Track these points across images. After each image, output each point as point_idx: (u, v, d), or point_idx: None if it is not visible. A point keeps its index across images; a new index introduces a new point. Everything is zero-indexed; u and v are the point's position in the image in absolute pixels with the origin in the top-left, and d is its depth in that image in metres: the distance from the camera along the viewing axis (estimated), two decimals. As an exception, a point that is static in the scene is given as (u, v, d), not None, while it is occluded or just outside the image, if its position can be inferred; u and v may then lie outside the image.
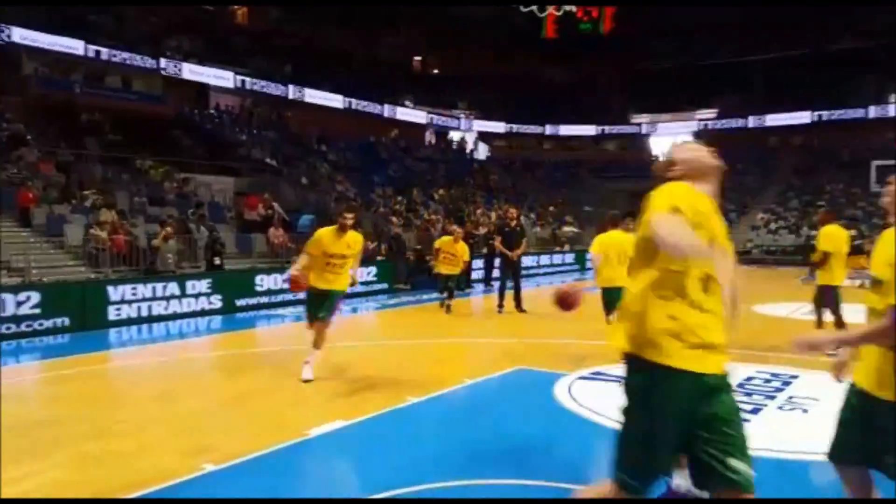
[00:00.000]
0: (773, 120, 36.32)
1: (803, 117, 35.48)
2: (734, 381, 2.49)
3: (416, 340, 9.05)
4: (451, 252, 12.16)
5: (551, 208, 30.11)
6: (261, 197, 18.57)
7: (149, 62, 24.53)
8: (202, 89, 27.76)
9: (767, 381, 6.53)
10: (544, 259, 21.75)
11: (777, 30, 35.35)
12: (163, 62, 25.06)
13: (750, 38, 36.18)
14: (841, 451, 2.81)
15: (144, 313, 10.80)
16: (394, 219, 20.81)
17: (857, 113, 34.35)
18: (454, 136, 39.43)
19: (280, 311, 12.48)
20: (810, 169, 34.44)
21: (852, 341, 2.86)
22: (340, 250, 6.72)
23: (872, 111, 34.15)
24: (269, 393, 6.47)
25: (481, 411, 6.02)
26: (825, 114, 34.92)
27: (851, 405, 2.77)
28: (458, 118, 38.52)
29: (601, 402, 5.80)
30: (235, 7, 32.91)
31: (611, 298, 7.13)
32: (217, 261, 13.41)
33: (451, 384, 6.54)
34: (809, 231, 26.11)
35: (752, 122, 36.82)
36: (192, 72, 26.31)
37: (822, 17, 33.69)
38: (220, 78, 27.37)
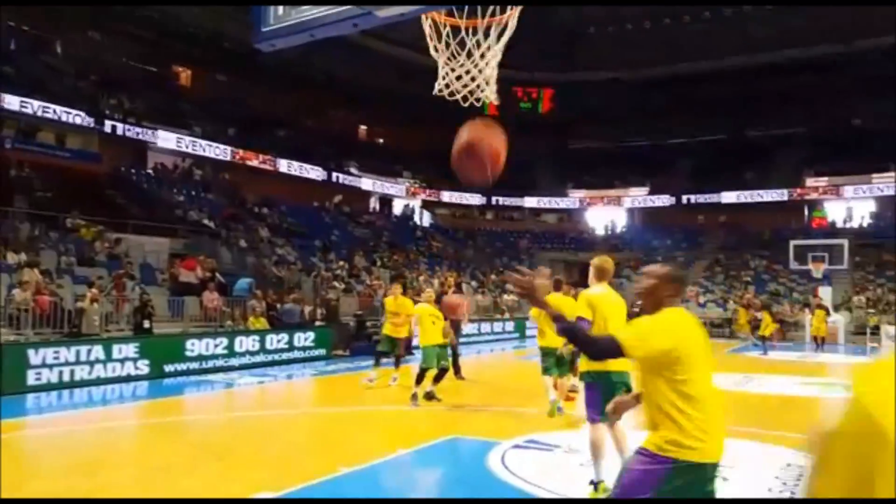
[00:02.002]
0: (699, 199, 38.25)
1: (726, 197, 37.54)
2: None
3: (351, 408, 8.95)
4: (394, 311, 10.60)
5: (493, 276, 30.52)
6: (198, 259, 18.26)
7: (86, 119, 24.19)
8: (140, 148, 27.45)
9: (693, 450, 6.69)
10: (485, 326, 21.92)
11: (701, 116, 37.67)
12: (101, 120, 24.76)
13: (676, 122, 38.45)
14: None
15: (67, 378, 10.32)
16: (335, 284, 20.74)
17: (775, 195, 36.59)
18: (398, 203, 39.93)
19: (210, 377, 12.13)
20: (735, 246, 36.15)
21: None
22: None
23: (787, 194, 36.50)
24: (193, 463, 6.27)
25: (413, 482, 5.98)
26: (745, 194, 37.06)
27: None
28: (403, 186, 39.12)
29: (534, 470, 5.83)
30: (179, 69, 33.04)
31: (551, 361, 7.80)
32: (146, 324, 13.03)
33: (384, 453, 6.47)
34: (735, 305, 27.22)
35: (681, 200, 38.66)
36: (130, 131, 26.06)
37: (742, 105, 36.20)
38: (160, 138, 27.18)
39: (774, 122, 37.46)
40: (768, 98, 35.51)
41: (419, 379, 9.13)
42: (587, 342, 3.16)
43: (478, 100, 4.75)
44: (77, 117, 23.97)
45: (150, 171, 27.45)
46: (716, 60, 33.48)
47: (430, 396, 9.26)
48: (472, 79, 4.62)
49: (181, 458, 6.51)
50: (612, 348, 2.86)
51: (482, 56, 4.44)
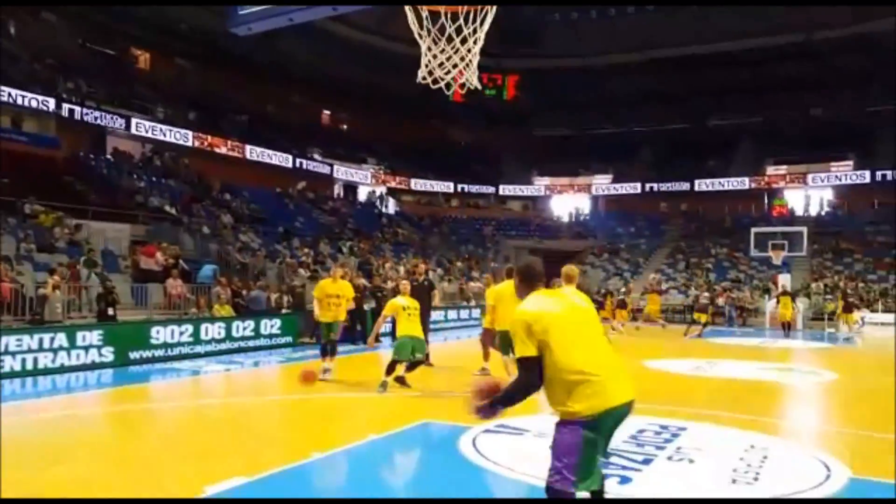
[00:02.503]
0: (662, 187, 38.87)
1: (688, 185, 38.20)
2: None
3: (321, 394, 8.93)
4: (335, 293, 10.15)
5: (458, 263, 30.62)
6: (160, 245, 17.96)
7: (42, 103, 23.53)
8: (99, 133, 26.81)
9: (658, 432, 6.81)
10: (452, 313, 22.06)
11: (664, 104, 38.15)
12: (59, 104, 24.10)
13: (639, 111, 38.89)
14: None
15: (30, 366, 10.12)
16: (301, 271, 20.58)
17: (735, 183, 37.37)
18: (363, 190, 39.73)
19: (176, 364, 11.99)
20: (696, 234, 36.83)
21: None
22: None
23: (749, 182, 37.28)
24: (164, 450, 6.22)
25: (387, 467, 6.03)
26: (707, 182, 37.77)
27: None
28: (367, 172, 38.93)
29: (505, 454, 5.91)
30: (138, 52, 32.27)
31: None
32: (110, 311, 12.80)
33: (355, 439, 6.50)
34: (697, 292, 27.74)
35: (644, 188, 39.22)
36: (88, 115, 25.40)
37: (704, 94, 36.76)
38: (119, 122, 26.56)
39: (736, 111, 38.13)
40: (730, 87, 36.12)
41: (389, 369, 9.11)
42: (518, 389, 3.38)
43: (462, 85, 4.78)
44: (33, 101, 23.31)
45: (109, 156, 26.85)
46: (678, 49, 33.85)
47: (401, 381, 9.28)
48: (455, 65, 4.64)
49: (151, 445, 6.45)
50: (530, 372, 3.28)
51: (463, 42, 4.46)
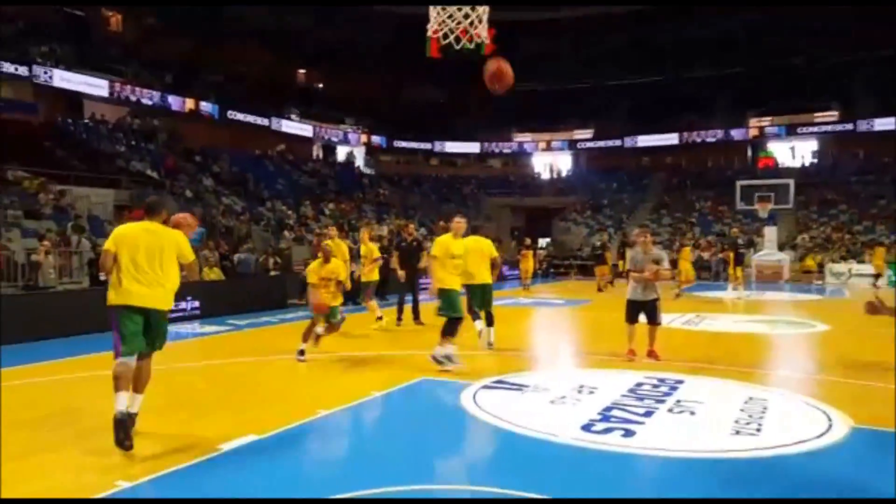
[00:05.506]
0: (644, 141, 38.78)
1: (671, 139, 38.11)
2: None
3: (318, 354, 9.02)
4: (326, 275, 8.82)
5: (441, 223, 30.63)
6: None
7: (18, 69, 23.00)
8: (76, 98, 26.27)
9: (656, 386, 6.95)
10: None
11: (641, 56, 37.73)
12: (33, 69, 23.57)
13: (617, 64, 38.52)
14: None
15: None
16: (286, 233, 20.56)
17: (720, 135, 37.32)
18: (342, 150, 39.35)
19: (170, 326, 11.98)
20: (680, 188, 36.92)
21: None
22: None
23: (734, 133, 37.24)
24: (172, 410, 6.30)
25: (394, 421, 6.16)
26: (690, 135, 37.67)
27: None
28: (346, 133, 38.52)
29: (504, 408, 6.07)
30: (109, 14, 31.41)
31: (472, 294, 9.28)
32: (102, 276, 12.71)
33: (359, 396, 6.61)
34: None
35: (625, 142, 39.13)
36: (63, 79, 24.87)
37: (683, 47, 36.42)
38: (95, 86, 26.02)
39: (716, 61, 37.89)
40: (709, 38, 35.71)
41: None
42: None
43: (470, 41, 4.76)
44: (6, 66, 22.80)
45: (87, 120, 26.36)
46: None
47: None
48: (466, 16, 4.60)
49: (156, 405, 6.48)
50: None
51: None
